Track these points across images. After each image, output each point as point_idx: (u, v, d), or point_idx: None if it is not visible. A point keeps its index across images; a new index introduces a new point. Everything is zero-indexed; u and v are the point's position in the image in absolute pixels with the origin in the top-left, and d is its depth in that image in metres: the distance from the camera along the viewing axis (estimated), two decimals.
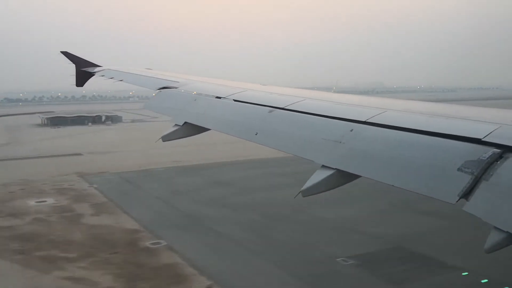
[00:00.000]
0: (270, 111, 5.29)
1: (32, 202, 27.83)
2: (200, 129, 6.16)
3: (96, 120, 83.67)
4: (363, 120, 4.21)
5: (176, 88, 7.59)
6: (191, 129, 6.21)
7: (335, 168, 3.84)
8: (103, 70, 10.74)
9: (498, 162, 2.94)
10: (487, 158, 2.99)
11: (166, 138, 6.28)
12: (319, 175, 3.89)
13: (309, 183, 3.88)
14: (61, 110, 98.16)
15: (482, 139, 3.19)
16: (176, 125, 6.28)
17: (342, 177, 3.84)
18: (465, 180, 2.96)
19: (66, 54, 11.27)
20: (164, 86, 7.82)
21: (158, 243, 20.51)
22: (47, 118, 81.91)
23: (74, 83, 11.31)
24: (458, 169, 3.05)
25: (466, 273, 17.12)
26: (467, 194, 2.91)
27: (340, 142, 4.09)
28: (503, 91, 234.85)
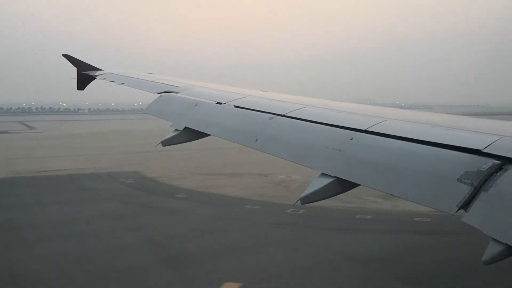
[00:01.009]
0: (271, 118, 5.29)
1: None
2: (200, 135, 6.17)
3: None
4: (363, 128, 4.22)
5: (177, 92, 7.59)
6: (191, 134, 6.22)
7: (335, 176, 3.85)
8: (104, 73, 10.64)
9: (498, 173, 2.94)
10: (487, 169, 2.99)
11: (165, 143, 6.28)
12: (318, 183, 3.89)
13: (308, 190, 3.87)
14: None
15: (482, 150, 3.19)
16: (176, 130, 6.29)
17: (342, 185, 3.85)
18: (464, 191, 2.95)
19: (67, 57, 11.14)
20: (165, 90, 7.81)
21: None
22: None
23: (75, 86, 11.12)
24: (458, 180, 3.05)
25: None
26: (466, 205, 2.91)
27: (340, 150, 4.09)
28: (490, 108, 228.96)
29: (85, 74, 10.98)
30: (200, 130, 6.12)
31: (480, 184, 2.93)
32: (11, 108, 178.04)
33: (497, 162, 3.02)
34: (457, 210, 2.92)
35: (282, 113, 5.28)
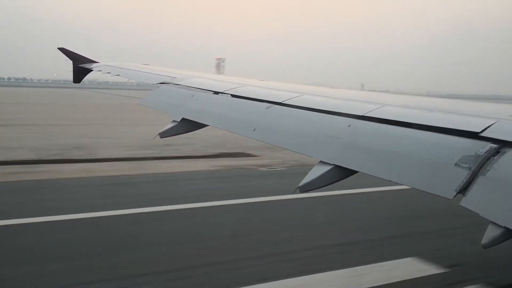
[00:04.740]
0: (268, 107, 5.26)
1: None
2: (198, 125, 6.12)
3: None
4: (361, 115, 4.19)
5: (173, 83, 7.50)
6: (188, 125, 6.17)
7: (333, 164, 3.84)
8: (100, 65, 10.55)
9: (495, 157, 2.92)
10: (484, 153, 2.97)
11: (163, 134, 6.22)
12: (317, 171, 3.88)
13: (306, 179, 3.86)
14: None
15: (479, 134, 3.18)
16: (173, 121, 6.23)
17: (340, 173, 3.84)
18: (462, 175, 2.93)
19: (63, 50, 11.00)
20: (161, 81, 7.72)
21: None
22: None
23: (72, 79, 11.02)
24: (455, 164, 3.03)
25: None
26: (464, 189, 2.89)
27: (338, 138, 4.06)
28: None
29: (80, 67, 10.87)
30: (197, 121, 6.08)
31: (478, 168, 2.91)
32: None
33: (495, 145, 3.01)
34: (456, 195, 2.92)
35: (279, 102, 5.25)
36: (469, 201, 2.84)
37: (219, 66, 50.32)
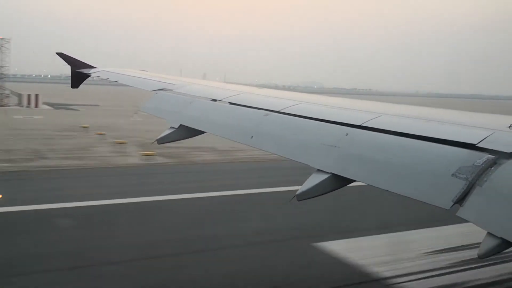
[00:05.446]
0: (266, 115, 5.31)
1: None
2: (195, 132, 6.19)
3: None
4: (358, 124, 4.24)
5: (171, 90, 7.60)
6: (186, 131, 6.23)
7: (330, 172, 3.87)
8: (98, 71, 10.53)
9: (492, 168, 2.97)
10: (482, 164, 3.01)
11: (161, 140, 6.28)
12: (314, 179, 3.91)
13: (304, 187, 3.89)
14: None
15: (477, 145, 3.23)
16: (171, 127, 6.30)
17: (337, 181, 3.87)
18: (459, 185, 2.98)
19: (61, 55, 10.97)
20: (159, 88, 7.80)
21: None
22: None
23: (70, 84, 10.95)
24: (452, 175, 3.07)
25: None
26: (461, 199, 2.93)
27: (335, 146, 4.11)
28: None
29: (79, 72, 10.86)
30: (195, 128, 6.13)
31: (475, 178, 2.95)
32: None
33: (492, 156, 3.05)
34: (453, 205, 2.95)
35: (277, 110, 5.29)
36: (466, 212, 2.87)
37: (1, 47, 47.60)
